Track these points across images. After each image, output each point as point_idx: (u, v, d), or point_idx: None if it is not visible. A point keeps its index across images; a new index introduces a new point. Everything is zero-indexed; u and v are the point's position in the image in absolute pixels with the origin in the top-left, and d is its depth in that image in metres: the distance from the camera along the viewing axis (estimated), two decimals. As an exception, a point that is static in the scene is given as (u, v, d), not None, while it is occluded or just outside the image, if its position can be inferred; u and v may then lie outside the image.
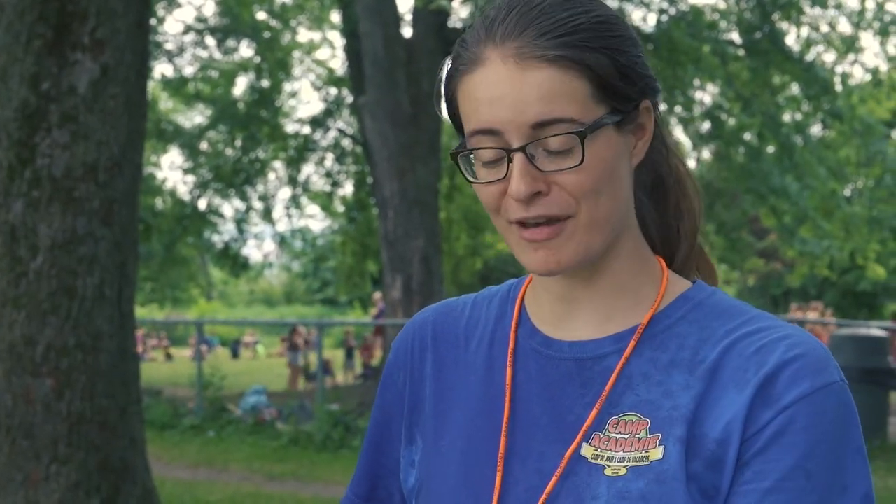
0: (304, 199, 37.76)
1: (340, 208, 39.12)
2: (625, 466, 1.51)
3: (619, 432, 1.54)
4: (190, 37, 35.95)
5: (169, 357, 44.63)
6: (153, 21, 32.29)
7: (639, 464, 1.50)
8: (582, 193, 1.51)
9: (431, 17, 24.89)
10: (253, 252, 55.13)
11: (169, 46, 35.44)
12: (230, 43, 35.86)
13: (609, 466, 1.52)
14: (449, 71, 1.65)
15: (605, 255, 1.59)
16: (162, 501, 8.70)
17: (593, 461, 1.53)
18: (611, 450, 1.53)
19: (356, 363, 32.46)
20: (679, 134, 27.66)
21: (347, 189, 36.30)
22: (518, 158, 1.50)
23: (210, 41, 35.99)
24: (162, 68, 35.46)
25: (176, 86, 37.10)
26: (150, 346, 44.85)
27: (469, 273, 39.78)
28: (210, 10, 35.68)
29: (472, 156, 1.60)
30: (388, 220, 24.59)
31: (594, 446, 1.54)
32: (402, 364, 1.82)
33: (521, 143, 1.50)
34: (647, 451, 1.51)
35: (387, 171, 24.50)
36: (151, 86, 35.56)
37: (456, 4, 25.92)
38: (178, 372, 30.63)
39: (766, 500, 1.44)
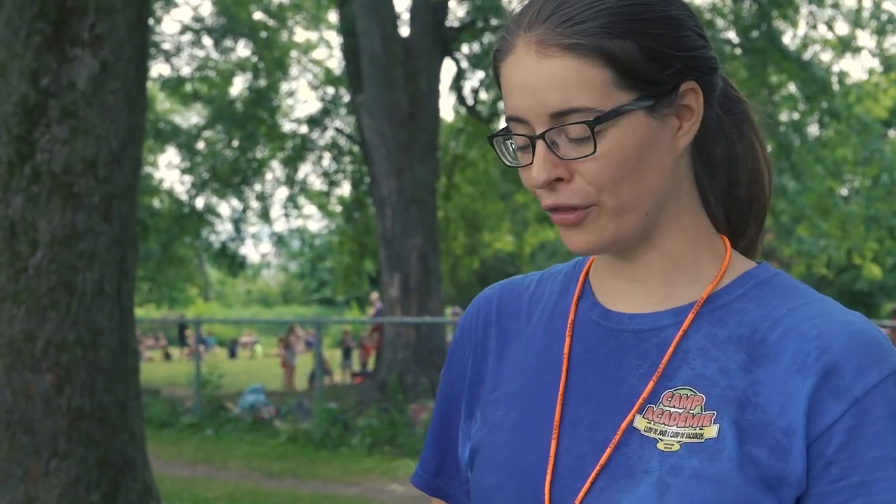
0: (301, 199, 37.80)
1: (338, 208, 39.16)
2: (678, 442, 1.49)
3: (674, 406, 1.52)
4: (187, 36, 35.99)
5: (168, 356, 44.65)
6: (150, 21, 32.26)
7: (693, 440, 1.49)
8: (600, 182, 1.51)
9: (429, 15, 24.90)
10: (250, 252, 55.28)
11: (166, 46, 35.47)
12: (227, 43, 35.87)
13: (662, 440, 1.50)
14: (493, 56, 1.63)
15: (656, 234, 1.60)
16: (162, 498, 8.70)
17: (646, 434, 1.52)
18: (664, 423, 1.51)
19: (353, 362, 32.46)
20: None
21: (345, 188, 36.38)
22: (539, 146, 1.51)
23: (207, 41, 36.02)
24: (159, 68, 35.40)
25: (173, 85, 37.08)
26: (148, 346, 44.89)
27: (467, 272, 39.80)
28: (207, 9, 35.79)
29: (505, 145, 1.61)
30: (386, 218, 24.60)
31: (647, 419, 1.53)
32: (468, 340, 1.83)
33: (542, 130, 1.51)
34: (701, 429, 1.49)
35: (384, 169, 24.51)
36: (149, 86, 35.49)
37: (453, 4, 25.97)
38: (176, 371, 30.66)
39: (859, 494, 1.42)
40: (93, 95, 8.03)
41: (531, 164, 1.53)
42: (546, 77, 1.49)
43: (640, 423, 1.53)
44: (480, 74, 30.40)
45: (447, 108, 30.71)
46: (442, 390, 1.86)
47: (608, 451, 1.53)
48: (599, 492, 1.51)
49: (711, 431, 1.48)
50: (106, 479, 8.08)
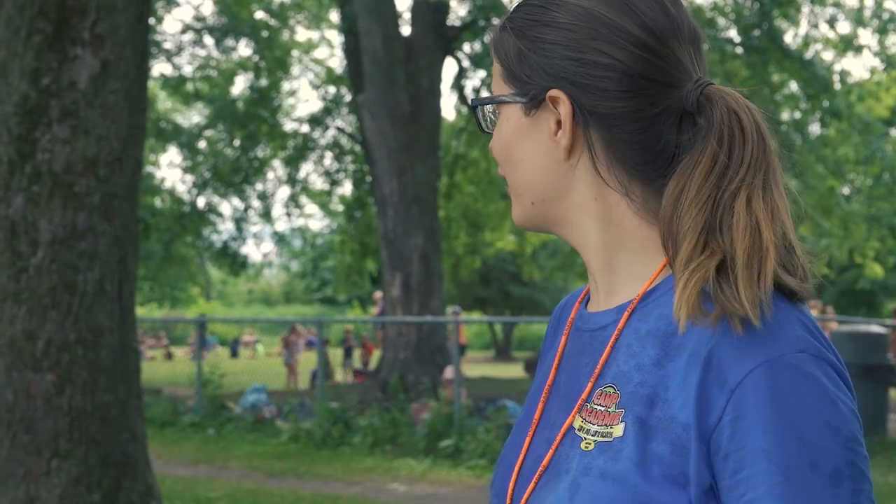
0: (303, 198, 37.84)
1: (339, 207, 39.20)
2: (594, 441, 1.51)
3: (600, 404, 1.54)
4: (188, 36, 36.03)
5: (169, 356, 44.63)
6: (152, 20, 32.29)
7: (604, 439, 1.50)
8: (498, 158, 1.68)
9: (430, 15, 24.91)
10: (252, 251, 55.29)
11: (167, 45, 35.51)
12: (229, 42, 35.92)
13: (585, 439, 1.53)
14: None
15: (571, 231, 1.66)
16: (163, 497, 8.70)
17: (578, 433, 1.55)
18: (591, 422, 1.54)
19: (355, 361, 32.47)
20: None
21: (346, 188, 36.40)
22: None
23: (208, 40, 36.07)
24: (160, 67, 35.55)
25: (174, 85, 37.13)
26: (149, 346, 44.92)
27: (468, 271, 39.76)
28: (208, 9, 35.82)
29: None
30: (388, 218, 24.61)
31: (583, 418, 1.55)
32: (547, 337, 1.90)
33: None
34: (611, 427, 1.50)
35: (386, 169, 24.52)
36: (150, 85, 35.56)
37: (454, 3, 25.97)
38: (178, 371, 30.65)
39: (749, 489, 1.39)
40: (94, 95, 8.03)
41: None
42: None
43: (577, 422, 1.56)
44: (482, 73, 30.42)
45: (448, 107, 30.83)
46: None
47: (550, 451, 1.58)
48: (537, 491, 1.57)
49: (619, 430, 1.49)
50: (107, 479, 8.08)
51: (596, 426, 1.52)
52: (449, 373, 17.50)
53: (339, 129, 35.28)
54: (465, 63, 29.87)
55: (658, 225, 1.56)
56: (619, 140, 1.60)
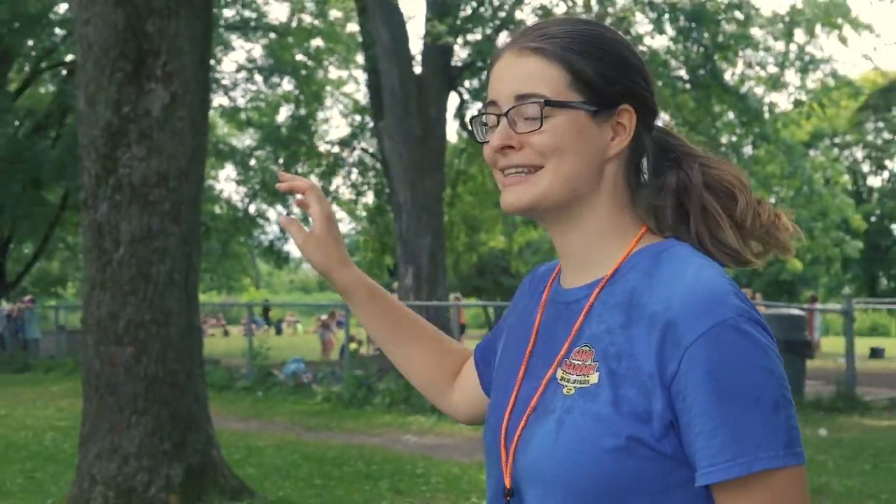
0: (334, 206, 37.73)
1: (363, 213, 39.10)
2: (574, 387, 1.58)
3: (577, 360, 1.61)
4: (242, 74, 36.01)
5: (226, 333, 44.66)
6: (212, 61, 32.33)
7: (582, 385, 1.57)
8: (544, 150, 1.62)
9: (437, 57, 24.87)
10: (292, 249, 55.07)
11: (225, 82, 35.51)
12: (274, 79, 35.90)
13: (566, 386, 1.60)
14: (487, 69, 1.78)
15: (580, 213, 1.67)
16: (221, 446, 8.69)
17: (559, 382, 1.61)
18: (570, 373, 1.60)
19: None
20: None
21: (369, 197, 36.28)
22: (503, 121, 1.64)
23: (258, 77, 36.04)
24: (219, 99, 35.44)
25: (230, 114, 37.15)
26: (210, 325, 44.89)
27: (467, 265, 39.80)
28: (258, 52, 35.62)
29: (485, 127, 1.72)
30: (402, 222, 24.58)
31: (563, 370, 1.62)
32: (517, 300, 1.94)
33: (507, 109, 1.64)
34: (587, 376, 1.58)
35: (401, 182, 24.49)
36: (210, 114, 35.55)
37: (457, 48, 25.89)
38: (233, 345, 30.65)
39: (699, 419, 1.47)
40: (165, 121, 8.03)
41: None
42: (518, 68, 1.65)
43: (558, 374, 1.62)
44: (479, 105, 30.36)
45: (452, 132, 30.73)
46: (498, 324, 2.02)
47: (536, 395, 1.64)
48: (528, 427, 1.62)
49: (594, 378, 1.57)
50: (176, 432, 8.08)
51: (575, 376, 1.59)
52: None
53: (364, 150, 35.23)
54: (466, 96, 29.75)
55: (642, 218, 1.71)
56: (639, 151, 1.71)
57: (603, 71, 1.64)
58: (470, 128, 1.75)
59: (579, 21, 1.71)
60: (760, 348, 1.50)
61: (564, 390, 1.59)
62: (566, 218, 1.68)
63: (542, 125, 1.60)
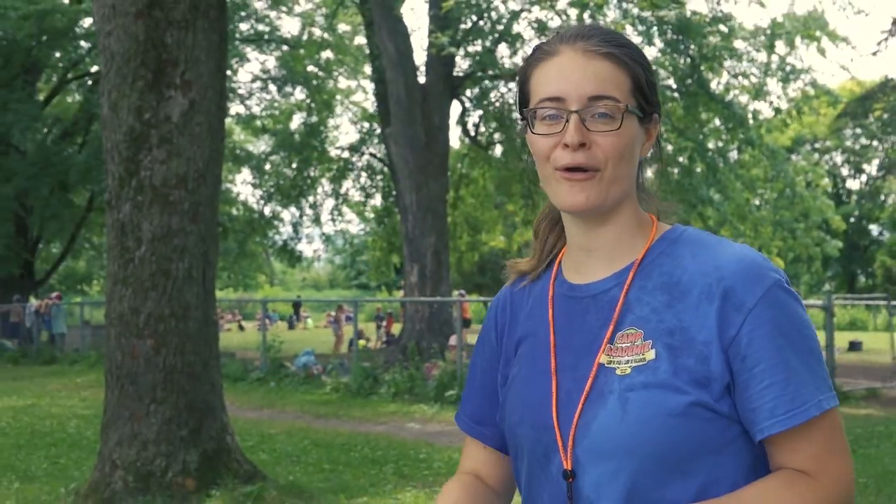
0: (344, 208, 37.77)
1: (371, 214, 39.14)
2: (629, 366, 1.60)
3: (624, 343, 1.63)
4: (257, 84, 36.04)
5: (241, 328, 44.64)
6: (229, 72, 32.37)
7: (639, 364, 1.60)
8: (613, 152, 1.63)
9: (440, 67, 24.89)
10: (305, 248, 55.13)
11: (241, 91, 35.53)
12: (287, 89, 35.94)
13: (619, 367, 1.61)
14: (527, 61, 1.75)
15: (616, 210, 1.70)
16: (235, 433, 8.69)
17: (608, 366, 1.62)
18: (619, 356, 1.62)
19: (383, 332, 32.41)
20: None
21: (377, 200, 36.34)
22: (574, 118, 1.62)
23: (272, 87, 36.07)
24: (236, 107, 35.47)
25: (246, 121, 37.20)
26: (226, 320, 44.90)
27: (469, 264, 39.78)
28: (272, 63, 35.65)
29: (534, 118, 1.69)
30: (408, 223, 24.60)
31: (609, 355, 1.63)
32: (493, 323, 1.92)
33: (579, 108, 1.63)
34: (643, 354, 1.60)
35: (407, 185, 24.51)
36: (227, 121, 35.59)
37: (459, 59, 25.89)
38: (248, 339, 30.65)
39: (766, 375, 1.54)
40: (184, 127, 8.03)
41: (560, 132, 1.64)
42: (589, 71, 1.64)
43: (604, 359, 1.63)
44: (479, 112, 30.35)
45: (454, 138, 30.77)
46: (476, 362, 1.95)
47: (588, 382, 1.63)
48: (585, 412, 1.62)
49: (651, 355, 1.60)
50: (193, 419, 8.08)
51: (627, 357, 1.61)
52: (453, 340, 17.49)
53: (372, 155, 35.27)
54: (468, 105, 29.79)
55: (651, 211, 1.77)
56: (653, 153, 1.78)
57: (651, 81, 1.70)
58: (524, 119, 1.72)
59: (623, 35, 1.76)
60: (801, 305, 1.62)
61: (618, 371, 1.61)
62: (607, 216, 1.70)
63: (620, 126, 1.63)
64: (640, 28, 22.29)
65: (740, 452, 1.59)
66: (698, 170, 25.25)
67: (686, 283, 1.62)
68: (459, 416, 1.96)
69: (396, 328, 30.68)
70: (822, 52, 26.78)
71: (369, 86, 33.50)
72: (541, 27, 25.74)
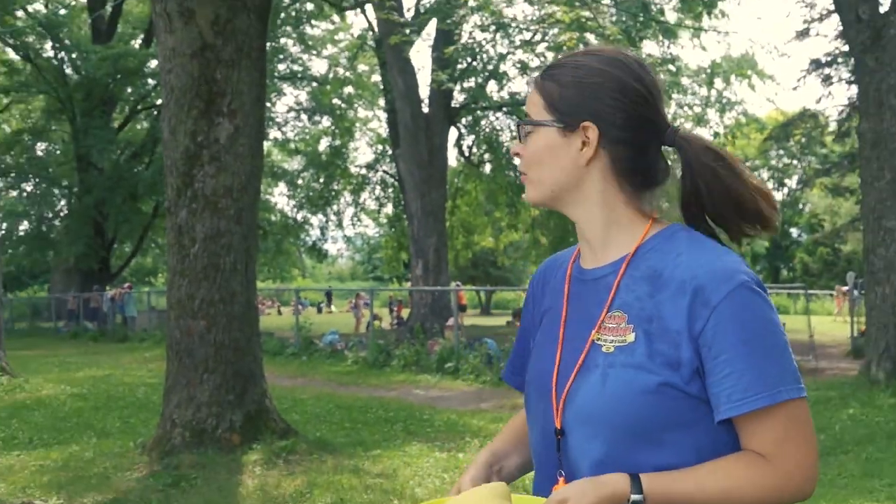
0: (362, 214, 37.82)
1: (384, 220, 39.16)
2: (613, 345, 1.55)
3: (612, 324, 1.58)
4: (291, 114, 36.06)
5: (279, 312, 44.60)
6: (268, 104, 32.43)
7: (621, 344, 1.55)
8: (528, 160, 1.64)
9: (441, 99, 24.89)
10: (330, 247, 55.16)
11: (278, 120, 35.55)
12: (316, 118, 35.95)
13: (605, 345, 1.57)
14: None
15: (579, 208, 1.65)
16: (273, 398, 8.67)
17: (597, 343, 1.58)
18: (606, 335, 1.57)
19: (394, 316, 32.42)
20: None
21: (389, 208, 36.36)
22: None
23: (304, 116, 36.09)
24: (274, 133, 35.51)
25: (282, 144, 37.19)
26: (267, 306, 44.90)
27: (464, 260, 39.75)
28: (304, 97, 35.66)
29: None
30: (414, 226, 24.60)
31: (599, 333, 1.58)
32: (531, 293, 1.87)
33: (518, 128, 1.68)
34: (625, 336, 1.55)
35: (413, 195, 24.50)
36: (266, 144, 35.66)
37: (456, 93, 25.87)
38: (284, 321, 30.64)
39: (727, 364, 1.46)
40: (230, 147, 8.01)
41: None
42: (528, 97, 1.67)
43: (595, 336, 1.58)
44: (472, 137, 30.35)
45: (452, 158, 30.83)
46: (521, 325, 1.90)
47: (582, 355, 1.59)
48: (576, 381, 1.58)
49: (631, 337, 1.54)
50: (238, 386, 8.07)
51: (612, 337, 1.56)
52: (451, 322, 17.46)
53: (385, 171, 35.29)
54: (463, 130, 29.81)
55: (647, 212, 1.65)
56: (621, 157, 1.61)
57: (568, 95, 1.61)
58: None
59: (581, 53, 1.67)
60: (769, 305, 1.52)
61: (604, 348, 1.56)
62: (569, 212, 1.66)
63: (520, 140, 1.64)
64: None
65: (708, 431, 1.50)
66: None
67: (667, 278, 1.54)
68: (504, 371, 1.94)
69: (405, 312, 30.64)
70: (752, 87, 26.88)
71: (383, 115, 33.53)
72: (523, 67, 25.73)
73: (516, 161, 1.70)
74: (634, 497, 1.45)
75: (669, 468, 1.49)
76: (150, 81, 33.16)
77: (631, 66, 1.62)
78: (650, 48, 23.31)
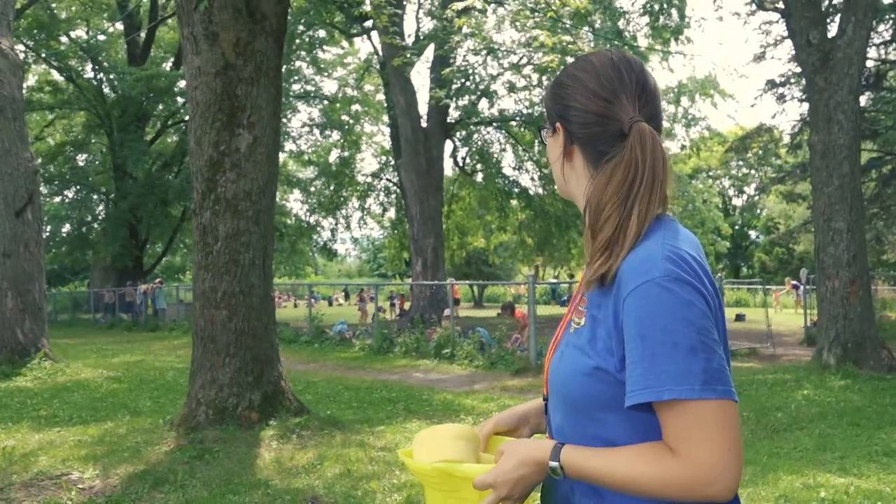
0: (368, 218, 37.76)
1: (387, 223, 39.12)
2: (574, 327, 1.53)
3: (581, 307, 1.53)
4: (305, 128, 36.00)
5: (295, 305, 44.53)
6: (284, 120, 32.38)
7: (577, 326, 1.51)
8: (550, 159, 1.66)
9: (438, 115, 24.84)
10: (340, 248, 55.16)
11: (293, 134, 35.51)
12: (327, 132, 35.89)
13: (571, 326, 1.54)
14: None
15: (580, 204, 1.59)
16: (288, 380, 8.63)
17: (570, 322, 1.56)
18: (575, 318, 1.54)
19: (396, 308, 32.37)
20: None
21: (392, 212, 36.31)
22: None
23: (316, 131, 36.04)
24: (289, 146, 35.50)
25: (297, 155, 37.11)
26: (283, 299, 44.83)
27: (459, 258, 39.75)
28: (316, 114, 35.62)
29: None
30: (414, 228, 24.53)
31: (573, 315, 1.55)
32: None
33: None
34: (581, 320, 1.51)
35: (413, 201, 24.44)
36: (282, 156, 35.63)
37: (451, 109, 25.84)
38: (298, 313, 30.57)
39: (629, 354, 1.37)
40: (249, 156, 7.96)
41: None
42: None
43: (573, 317, 1.55)
44: (466, 149, 30.31)
45: (448, 167, 30.79)
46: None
47: (558, 332, 1.60)
48: (553, 356, 1.57)
49: (583, 322, 1.50)
50: (256, 369, 8.02)
51: (577, 319, 1.52)
52: (447, 313, 17.42)
53: (388, 180, 35.22)
54: (457, 143, 29.76)
55: (588, 201, 1.53)
56: (589, 150, 1.55)
57: (549, 101, 1.62)
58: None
59: (572, 63, 1.64)
60: (682, 302, 1.34)
61: (571, 329, 1.53)
62: (577, 203, 1.63)
63: (545, 144, 1.66)
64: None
65: (639, 415, 1.40)
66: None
67: (619, 268, 1.42)
68: None
69: (407, 305, 30.60)
70: (714, 105, 26.83)
71: (386, 130, 33.54)
72: (511, 87, 25.70)
73: None
74: (552, 463, 1.44)
75: (614, 443, 1.43)
76: (179, 99, 33.17)
77: (600, 67, 1.55)
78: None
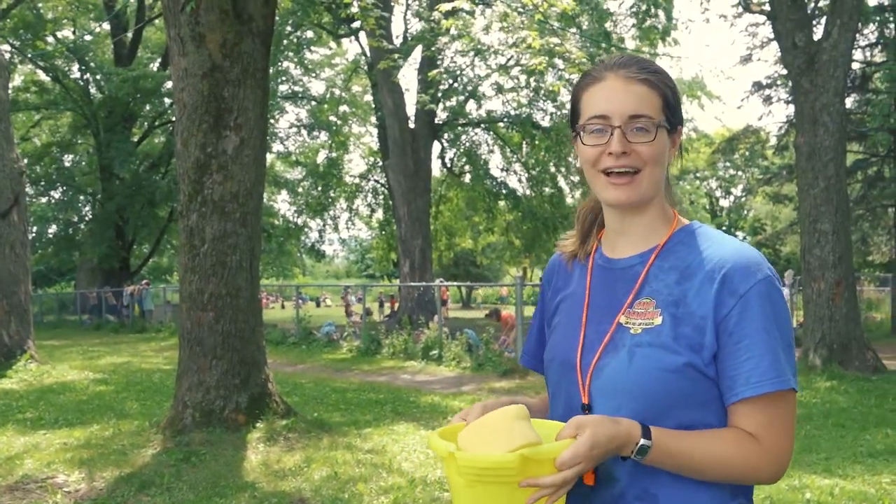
0: (355, 219, 37.71)
1: (375, 224, 39.10)
2: (641, 328, 1.54)
3: (639, 309, 1.56)
4: (293, 129, 35.93)
5: (283, 307, 44.43)
6: (272, 120, 32.33)
7: (648, 326, 1.53)
8: (649, 158, 1.56)
9: (425, 117, 24.83)
10: (327, 248, 55.07)
11: (281, 135, 35.42)
12: (314, 133, 35.82)
13: (633, 328, 1.55)
14: (578, 85, 1.65)
15: (645, 204, 1.61)
16: (275, 382, 8.61)
17: (625, 325, 1.56)
18: (634, 319, 1.56)
19: (384, 309, 32.32)
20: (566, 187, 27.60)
21: (380, 213, 36.27)
22: (618, 132, 1.54)
23: (304, 132, 35.97)
24: (276, 147, 35.41)
25: (285, 156, 37.02)
26: (271, 301, 44.72)
27: (447, 259, 39.78)
28: (304, 115, 35.56)
29: (584, 132, 1.60)
30: (402, 229, 24.52)
31: (626, 317, 1.57)
32: (545, 283, 1.83)
33: (621, 123, 1.55)
34: (653, 320, 1.53)
35: (401, 202, 24.42)
36: (270, 157, 35.57)
37: (439, 111, 25.84)
38: (286, 314, 30.51)
39: (746, 349, 1.46)
40: (236, 157, 7.95)
41: (606, 143, 1.56)
42: (630, 93, 1.55)
43: (622, 319, 1.57)
44: (454, 150, 30.32)
45: (436, 168, 30.76)
46: (536, 312, 1.88)
47: (608, 335, 1.57)
48: (601, 359, 1.56)
49: (658, 321, 1.53)
50: (243, 371, 8.00)
51: (640, 320, 1.54)
52: (435, 315, 17.42)
53: (376, 181, 35.18)
54: (445, 144, 29.75)
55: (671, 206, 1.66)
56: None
57: (676, 100, 1.61)
58: (575, 132, 1.63)
59: (656, 64, 1.65)
60: (785, 301, 1.52)
61: (632, 330, 1.54)
62: (640, 208, 1.61)
63: (654, 138, 1.55)
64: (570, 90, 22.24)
65: (717, 411, 1.51)
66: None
67: (694, 268, 1.54)
68: (522, 355, 1.90)
69: (397, 305, 30.58)
70: (701, 106, 26.95)
71: (374, 131, 33.50)
72: (499, 89, 25.73)
73: (611, 161, 1.57)
74: (644, 441, 1.45)
75: None
76: (166, 100, 33.06)
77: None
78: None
